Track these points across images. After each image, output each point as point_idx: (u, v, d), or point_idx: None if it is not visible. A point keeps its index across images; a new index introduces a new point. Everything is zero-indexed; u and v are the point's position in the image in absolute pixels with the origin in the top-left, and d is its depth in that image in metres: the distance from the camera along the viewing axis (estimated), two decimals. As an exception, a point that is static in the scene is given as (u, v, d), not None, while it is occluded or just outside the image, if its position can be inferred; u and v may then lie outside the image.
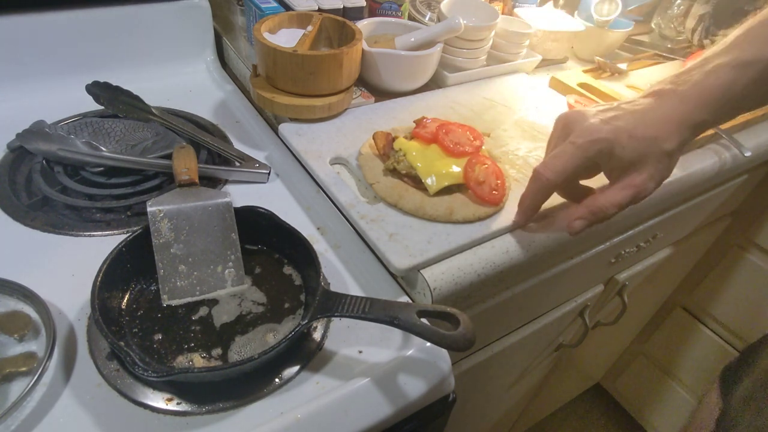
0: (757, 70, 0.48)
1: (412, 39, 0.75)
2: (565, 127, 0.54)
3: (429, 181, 0.57)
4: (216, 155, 0.66)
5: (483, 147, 0.62)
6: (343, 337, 0.48)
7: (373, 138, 0.64)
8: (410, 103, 0.76)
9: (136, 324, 0.45)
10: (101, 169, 0.61)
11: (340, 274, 0.54)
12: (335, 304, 0.44)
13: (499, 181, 0.59)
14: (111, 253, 0.46)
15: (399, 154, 0.60)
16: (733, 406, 0.67)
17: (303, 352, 0.46)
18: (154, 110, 0.67)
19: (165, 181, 0.61)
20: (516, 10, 0.95)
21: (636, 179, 0.51)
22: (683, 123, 0.50)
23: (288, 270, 0.53)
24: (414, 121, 0.65)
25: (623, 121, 0.50)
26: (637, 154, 0.50)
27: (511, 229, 0.58)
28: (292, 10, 0.75)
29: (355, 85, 0.74)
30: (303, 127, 0.68)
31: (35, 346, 0.43)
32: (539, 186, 0.53)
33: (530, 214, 0.57)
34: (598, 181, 0.56)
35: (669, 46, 1.07)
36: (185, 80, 0.82)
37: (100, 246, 0.51)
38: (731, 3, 0.97)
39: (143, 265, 0.48)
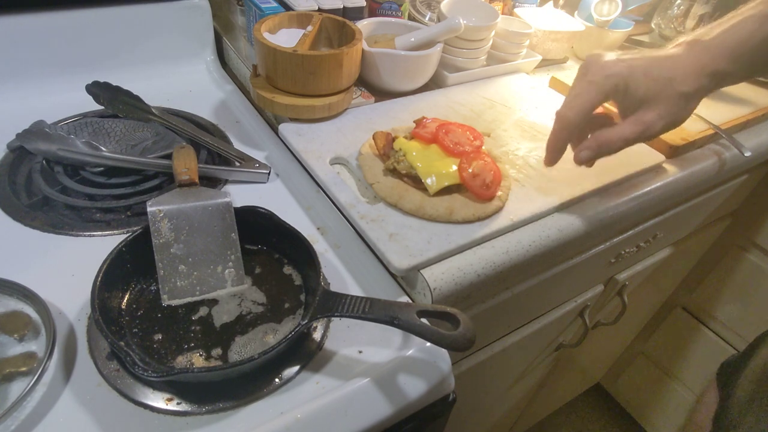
0: None
1: (412, 39, 0.75)
2: (583, 68, 0.56)
3: (429, 181, 0.57)
4: (216, 155, 0.66)
5: (483, 147, 0.62)
6: (343, 337, 0.48)
7: (373, 138, 0.64)
8: (410, 103, 0.76)
9: (136, 324, 0.45)
10: (101, 169, 0.61)
11: (340, 274, 0.54)
12: (335, 304, 0.44)
13: (492, 172, 0.58)
14: (111, 253, 0.46)
15: (399, 154, 0.60)
16: (734, 407, 0.66)
17: (303, 352, 0.46)
18: (154, 110, 0.67)
19: (165, 181, 0.61)
20: (516, 10, 0.95)
21: (646, 116, 0.52)
22: (702, 69, 0.51)
23: (288, 270, 0.53)
24: (414, 121, 0.65)
25: (641, 61, 0.52)
26: (650, 92, 0.51)
27: (512, 227, 0.58)
28: (292, 10, 0.75)
29: (355, 85, 0.74)
30: (303, 127, 0.68)
31: (35, 346, 0.43)
32: (561, 126, 0.56)
33: (556, 155, 0.59)
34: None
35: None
36: (185, 80, 0.82)
37: (100, 246, 0.51)
38: (731, 3, 0.97)
39: (143, 265, 0.48)
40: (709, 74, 0.51)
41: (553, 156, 0.59)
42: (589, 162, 0.57)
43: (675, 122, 0.53)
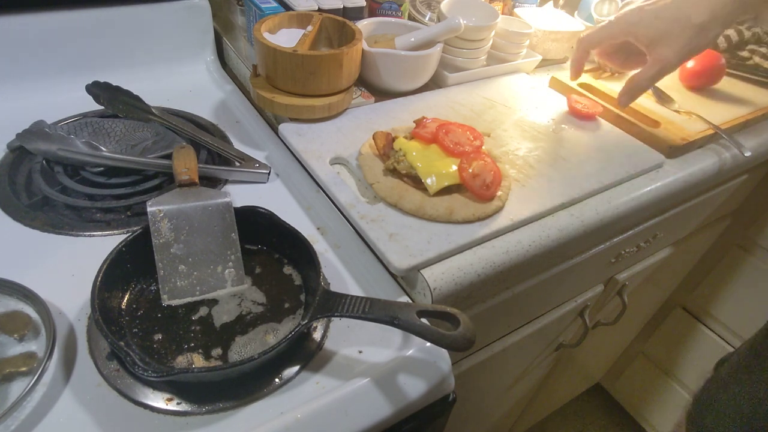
0: None
1: (412, 39, 0.75)
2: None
3: (429, 181, 0.57)
4: (216, 155, 0.66)
5: (483, 147, 0.62)
6: (343, 337, 0.48)
7: (373, 138, 0.64)
8: (410, 103, 0.76)
9: (136, 324, 0.46)
10: (101, 169, 0.61)
11: (340, 274, 0.54)
12: (335, 304, 0.44)
13: (492, 173, 0.58)
14: (111, 253, 0.46)
15: (399, 154, 0.60)
16: (713, 386, 0.68)
17: (303, 352, 0.46)
18: (154, 110, 0.67)
19: (165, 181, 0.61)
20: (516, 10, 0.95)
21: (661, 53, 0.61)
22: None
23: (288, 270, 0.53)
24: (414, 121, 0.65)
25: (653, 7, 0.60)
26: (661, 32, 0.59)
27: (512, 227, 0.58)
28: (292, 10, 0.75)
29: (355, 85, 0.74)
30: (303, 127, 0.68)
31: (35, 346, 0.43)
32: (576, 47, 0.73)
33: (574, 71, 0.76)
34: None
35: (669, 46, 1.07)
36: (185, 80, 0.82)
37: (100, 246, 0.51)
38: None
39: (143, 265, 0.48)
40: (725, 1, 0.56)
41: (572, 71, 0.76)
42: (630, 103, 0.70)
43: (691, 52, 0.60)
